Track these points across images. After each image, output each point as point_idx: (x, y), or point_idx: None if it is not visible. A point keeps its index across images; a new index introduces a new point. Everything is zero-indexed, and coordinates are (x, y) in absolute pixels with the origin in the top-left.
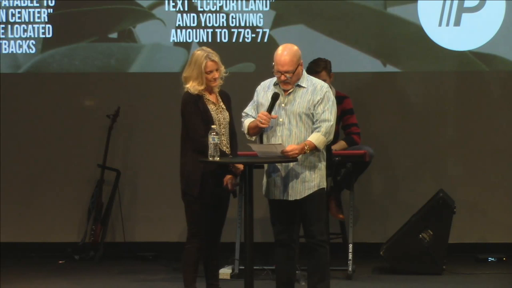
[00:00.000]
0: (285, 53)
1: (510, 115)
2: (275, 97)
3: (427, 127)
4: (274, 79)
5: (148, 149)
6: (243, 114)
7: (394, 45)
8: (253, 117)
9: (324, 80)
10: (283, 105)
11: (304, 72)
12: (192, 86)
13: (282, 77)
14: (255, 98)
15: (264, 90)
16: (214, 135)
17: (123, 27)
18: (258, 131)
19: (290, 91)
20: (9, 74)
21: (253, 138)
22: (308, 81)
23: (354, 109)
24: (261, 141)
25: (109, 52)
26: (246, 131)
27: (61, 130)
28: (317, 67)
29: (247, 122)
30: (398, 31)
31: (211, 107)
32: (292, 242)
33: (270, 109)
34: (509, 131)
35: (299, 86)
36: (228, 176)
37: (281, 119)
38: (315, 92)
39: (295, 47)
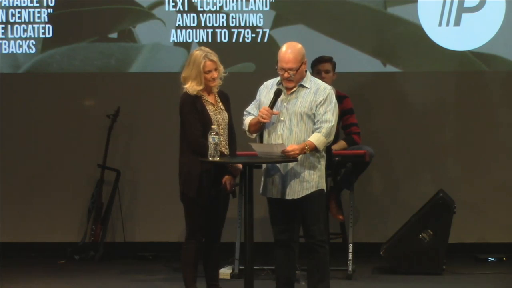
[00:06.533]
0: (289, 50)
1: (510, 115)
2: (277, 93)
3: (427, 127)
4: (277, 79)
5: (148, 149)
6: (245, 112)
7: (394, 45)
8: (255, 116)
9: (328, 71)
10: (285, 103)
11: (308, 73)
12: (190, 86)
13: (286, 74)
14: (257, 97)
15: (267, 89)
16: (214, 135)
17: (123, 27)
18: (259, 128)
19: (293, 90)
20: (9, 74)
21: (254, 136)
22: (311, 82)
23: (354, 109)
24: (261, 140)
25: (109, 52)
26: (247, 129)
27: (61, 130)
28: (324, 57)
29: (248, 119)
30: (398, 31)
31: (209, 107)
32: (292, 242)
33: (272, 104)
34: (509, 131)
35: (302, 86)
36: (226, 177)
37: (282, 118)
38: (318, 93)
39: (299, 45)
